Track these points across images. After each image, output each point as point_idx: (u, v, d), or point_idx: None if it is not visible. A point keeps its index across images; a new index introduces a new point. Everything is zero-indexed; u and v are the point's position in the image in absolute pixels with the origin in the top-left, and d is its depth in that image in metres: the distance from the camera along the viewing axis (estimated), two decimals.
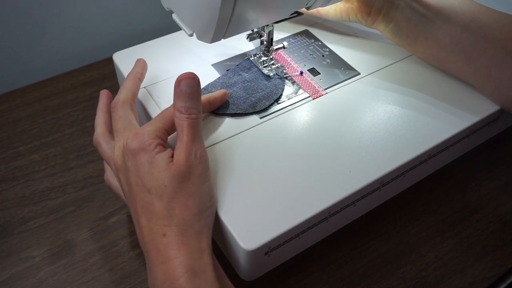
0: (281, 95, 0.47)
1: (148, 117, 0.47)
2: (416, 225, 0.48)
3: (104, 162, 0.43)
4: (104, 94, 0.45)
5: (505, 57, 0.43)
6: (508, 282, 0.44)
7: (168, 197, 0.34)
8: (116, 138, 0.39)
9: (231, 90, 0.46)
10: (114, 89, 0.62)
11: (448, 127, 0.45)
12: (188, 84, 0.35)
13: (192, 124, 0.35)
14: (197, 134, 0.35)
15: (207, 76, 0.49)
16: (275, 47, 0.49)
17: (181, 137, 0.35)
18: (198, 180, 0.35)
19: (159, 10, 0.71)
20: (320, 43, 0.54)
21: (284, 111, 0.46)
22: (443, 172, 0.50)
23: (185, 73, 0.35)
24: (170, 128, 0.38)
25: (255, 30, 0.47)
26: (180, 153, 0.35)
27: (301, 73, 0.49)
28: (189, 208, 0.34)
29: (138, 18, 0.71)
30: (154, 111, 0.46)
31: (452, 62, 0.46)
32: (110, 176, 0.42)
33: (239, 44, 0.53)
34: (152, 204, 0.34)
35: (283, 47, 0.50)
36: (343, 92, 0.48)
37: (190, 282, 0.32)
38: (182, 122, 0.35)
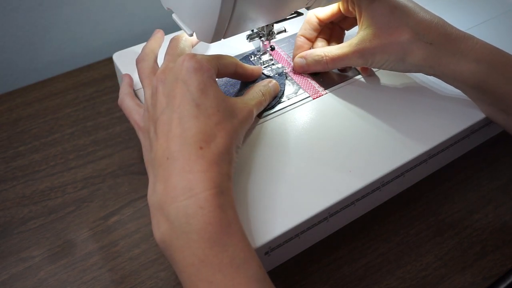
0: (282, 94, 0.47)
1: None
2: (416, 225, 0.48)
3: (122, 86, 0.46)
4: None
5: None
6: (508, 282, 0.44)
7: (217, 121, 0.35)
8: (165, 60, 0.41)
9: (235, 89, 0.46)
10: (114, 89, 0.62)
11: (448, 127, 0.45)
12: (274, 89, 0.45)
13: (261, 101, 0.43)
14: (262, 107, 0.43)
15: None
16: (276, 32, 0.48)
17: (250, 101, 0.41)
18: (244, 128, 0.39)
19: (159, 10, 0.71)
20: None
21: (284, 111, 0.46)
22: (443, 172, 0.50)
23: (276, 83, 0.46)
24: (222, 70, 0.40)
25: (255, 30, 0.47)
26: (247, 105, 0.40)
27: None
28: (230, 139, 0.35)
29: (138, 18, 0.71)
30: None
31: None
32: (125, 95, 0.44)
33: (239, 44, 0.53)
34: (196, 118, 0.34)
35: (284, 30, 0.49)
36: (343, 92, 0.48)
37: (216, 199, 0.32)
38: (257, 95, 0.42)
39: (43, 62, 0.67)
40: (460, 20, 0.57)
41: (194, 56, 0.37)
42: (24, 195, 0.50)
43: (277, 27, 0.48)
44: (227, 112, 0.36)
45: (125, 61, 0.52)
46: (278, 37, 0.54)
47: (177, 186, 0.32)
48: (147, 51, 0.45)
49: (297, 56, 0.49)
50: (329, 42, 0.51)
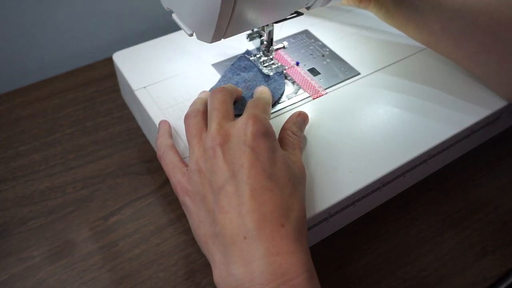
0: (282, 94, 0.47)
1: (147, 117, 0.46)
2: (416, 225, 0.48)
3: (161, 135, 0.41)
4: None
5: (494, 43, 0.42)
6: (508, 282, 0.44)
7: (290, 191, 0.33)
8: (214, 116, 0.36)
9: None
10: (114, 89, 0.62)
11: (448, 127, 0.45)
12: (303, 119, 0.42)
13: (301, 145, 0.40)
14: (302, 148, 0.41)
15: (207, 76, 0.49)
16: (275, 47, 0.49)
17: (294, 152, 0.38)
18: (304, 190, 0.36)
19: (159, 10, 0.71)
20: (320, 43, 0.54)
21: (284, 111, 0.46)
22: (443, 172, 0.50)
23: (304, 112, 0.43)
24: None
25: (255, 30, 0.47)
26: (297, 161, 0.37)
27: (297, 63, 0.49)
28: (303, 209, 0.34)
29: (138, 18, 0.71)
30: (154, 111, 0.46)
31: (441, 47, 0.46)
32: (168, 148, 0.39)
33: (239, 44, 0.53)
34: (271, 191, 0.32)
35: (283, 47, 0.50)
36: (343, 92, 0.48)
37: (310, 283, 0.30)
38: (295, 141, 0.39)
39: (43, 62, 0.67)
40: None
41: (257, 118, 0.34)
42: (24, 195, 0.50)
43: (276, 42, 0.48)
44: (295, 179, 0.34)
45: (125, 61, 0.52)
46: (278, 36, 0.54)
47: (265, 271, 0.29)
48: (199, 107, 0.40)
49: None
50: None
